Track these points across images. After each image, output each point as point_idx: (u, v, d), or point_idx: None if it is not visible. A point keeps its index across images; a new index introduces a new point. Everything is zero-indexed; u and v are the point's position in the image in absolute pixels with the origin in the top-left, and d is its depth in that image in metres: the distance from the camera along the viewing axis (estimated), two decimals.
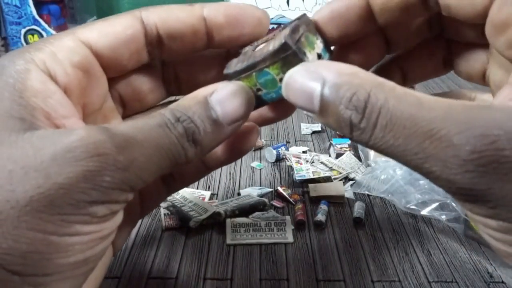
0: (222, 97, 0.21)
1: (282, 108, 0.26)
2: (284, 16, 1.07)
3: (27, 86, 0.19)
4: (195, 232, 0.49)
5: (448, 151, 0.16)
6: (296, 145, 0.68)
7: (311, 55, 0.21)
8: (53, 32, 1.31)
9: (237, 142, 0.27)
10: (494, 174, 0.16)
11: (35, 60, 0.20)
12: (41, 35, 1.31)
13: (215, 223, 0.49)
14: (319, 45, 0.22)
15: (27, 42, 1.32)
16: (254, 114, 0.26)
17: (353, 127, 0.18)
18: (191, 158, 0.21)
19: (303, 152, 0.64)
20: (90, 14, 1.46)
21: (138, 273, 0.43)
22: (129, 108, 0.26)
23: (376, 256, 0.46)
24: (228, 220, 0.49)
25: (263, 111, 0.26)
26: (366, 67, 0.24)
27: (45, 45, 0.21)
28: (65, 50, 0.21)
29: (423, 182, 0.54)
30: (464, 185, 0.17)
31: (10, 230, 0.16)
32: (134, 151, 0.18)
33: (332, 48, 0.25)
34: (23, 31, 1.30)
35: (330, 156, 0.64)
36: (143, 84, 0.26)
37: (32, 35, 1.31)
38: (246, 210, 0.51)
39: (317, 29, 0.23)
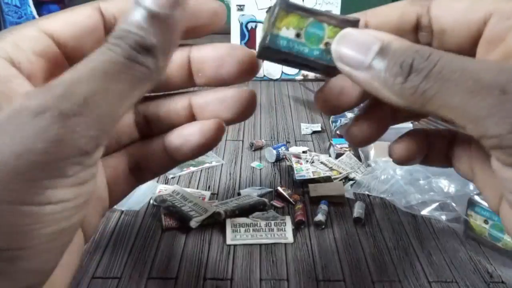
0: None
1: (241, 108, 0.26)
2: None
3: None
4: (195, 232, 0.49)
5: (500, 97, 0.17)
6: (296, 145, 0.68)
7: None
8: None
9: (206, 133, 0.26)
10: None
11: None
12: None
13: (215, 223, 0.49)
14: None
15: None
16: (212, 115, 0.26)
17: (411, 70, 0.19)
18: (156, 69, 0.19)
19: (303, 152, 0.64)
20: None
21: (138, 273, 0.43)
22: None
23: (376, 256, 0.46)
24: (228, 220, 0.49)
25: (221, 112, 0.26)
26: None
27: (6, 35, 0.21)
28: (27, 39, 0.21)
29: (423, 182, 0.54)
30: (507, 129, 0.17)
31: None
32: (81, 92, 0.17)
33: None
34: None
35: (330, 156, 0.64)
36: None
37: None
38: (246, 210, 0.51)
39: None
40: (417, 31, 0.23)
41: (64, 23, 0.22)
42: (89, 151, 0.18)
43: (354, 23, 0.22)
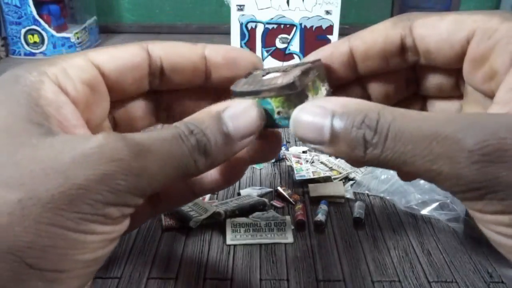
0: (234, 113, 0.22)
1: (266, 150, 0.27)
2: (284, 16, 1.07)
3: (41, 95, 0.21)
4: (195, 232, 0.49)
5: (453, 146, 0.17)
6: (296, 145, 0.68)
7: (312, 99, 0.23)
8: (53, 32, 1.31)
9: (227, 172, 0.27)
10: (500, 162, 0.17)
11: (48, 73, 0.22)
12: (41, 35, 1.31)
13: (215, 223, 0.49)
14: (323, 92, 0.24)
15: (27, 42, 1.32)
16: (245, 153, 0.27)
17: (366, 144, 0.19)
18: (201, 170, 0.21)
19: (303, 152, 0.64)
20: (90, 14, 1.46)
21: (138, 273, 0.43)
22: (119, 130, 0.28)
23: (376, 256, 0.46)
24: (228, 220, 0.49)
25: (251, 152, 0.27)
26: None
27: (57, 61, 0.23)
28: (75, 67, 0.23)
29: (423, 182, 0.54)
30: (473, 177, 0.17)
31: (32, 225, 0.17)
32: (147, 159, 0.19)
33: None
34: (23, 31, 1.30)
35: (330, 156, 0.64)
36: (137, 110, 0.28)
37: (32, 35, 1.31)
38: (246, 210, 0.51)
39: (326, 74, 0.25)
40: (403, 52, 0.23)
41: (112, 57, 0.24)
42: (130, 205, 0.20)
43: (291, 86, 0.22)
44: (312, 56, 0.26)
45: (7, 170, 0.18)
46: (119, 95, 0.26)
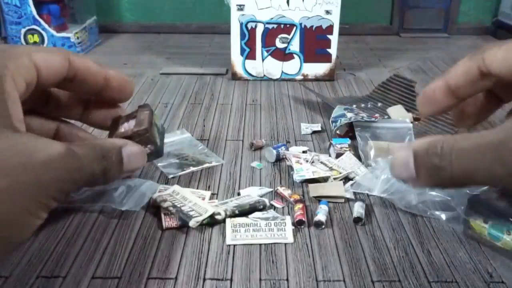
0: (131, 152, 0.30)
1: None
2: (284, 16, 1.07)
3: (5, 90, 0.25)
4: (195, 232, 0.49)
5: (504, 152, 0.21)
6: (296, 145, 0.68)
7: (156, 134, 0.35)
8: (53, 31, 1.31)
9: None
10: None
11: (8, 67, 0.25)
12: (41, 35, 1.31)
13: (215, 223, 0.49)
14: (158, 127, 0.36)
15: (27, 42, 1.32)
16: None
17: (439, 169, 0.23)
18: (98, 183, 0.29)
19: (303, 152, 0.64)
20: (90, 14, 1.46)
21: (138, 273, 0.43)
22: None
23: (376, 256, 0.46)
24: (228, 220, 0.49)
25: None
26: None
27: (11, 55, 0.26)
28: (24, 67, 0.27)
29: None
30: None
31: (12, 207, 0.23)
32: (79, 172, 0.27)
33: None
34: (23, 31, 1.30)
35: (330, 156, 0.64)
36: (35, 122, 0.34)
37: (32, 35, 1.31)
38: (246, 210, 0.51)
39: None
40: (482, 78, 0.27)
41: (45, 61, 0.28)
42: (58, 200, 0.26)
43: (145, 131, 0.34)
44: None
45: None
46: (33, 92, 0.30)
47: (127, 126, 0.35)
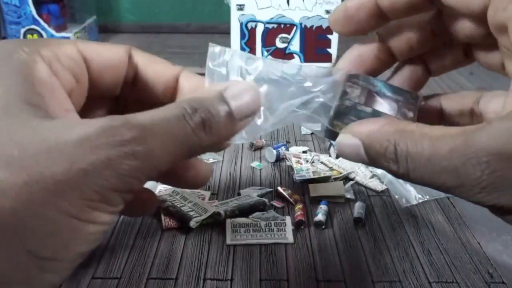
0: (236, 92, 0.22)
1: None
2: (284, 16, 1.07)
3: (36, 75, 0.20)
4: (195, 232, 0.48)
5: (462, 179, 0.19)
6: (296, 145, 0.68)
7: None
8: (53, 31, 1.30)
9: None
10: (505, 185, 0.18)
11: (41, 53, 0.21)
12: (40, 35, 1.30)
13: (215, 223, 0.49)
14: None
15: None
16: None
17: (397, 173, 0.21)
18: (204, 148, 0.21)
19: (303, 152, 0.64)
20: (89, 14, 1.46)
21: (138, 273, 0.43)
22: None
23: (376, 256, 0.46)
24: (228, 220, 0.49)
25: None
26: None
27: (48, 44, 0.22)
28: (65, 55, 0.23)
29: None
30: (490, 202, 0.19)
31: (37, 210, 0.17)
32: (151, 142, 0.19)
33: None
34: (22, 30, 1.30)
35: (330, 156, 0.64)
36: (100, 113, 0.28)
37: (32, 34, 1.31)
38: (246, 210, 0.50)
39: None
40: (428, 3, 0.24)
41: (98, 52, 0.24)
42: (134, 191, 0.19)
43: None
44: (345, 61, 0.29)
45: (8, 149, 0.17)
46: (95, 93, 0.25)
47: None
